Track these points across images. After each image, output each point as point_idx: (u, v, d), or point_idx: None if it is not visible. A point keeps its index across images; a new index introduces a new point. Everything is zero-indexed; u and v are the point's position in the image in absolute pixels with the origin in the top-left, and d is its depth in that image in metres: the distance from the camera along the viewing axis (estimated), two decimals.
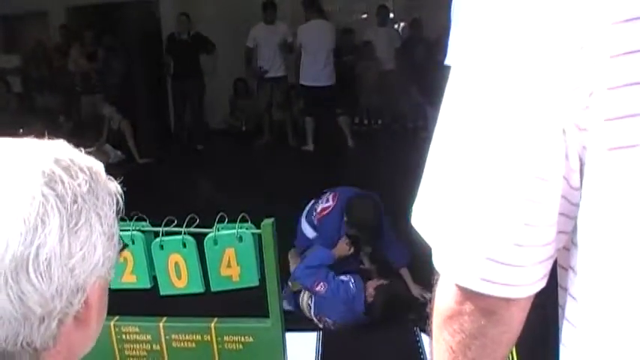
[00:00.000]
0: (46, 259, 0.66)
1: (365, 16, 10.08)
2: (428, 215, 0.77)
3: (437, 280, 0.79)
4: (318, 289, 3.52)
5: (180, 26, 8.66)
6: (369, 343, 2.05)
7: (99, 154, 7.47)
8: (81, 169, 0.71)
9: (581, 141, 0.69)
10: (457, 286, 0.75)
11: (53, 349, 0.71)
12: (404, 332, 2.13)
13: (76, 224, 0.68)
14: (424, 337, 1.85)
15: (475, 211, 0.72)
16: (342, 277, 3.58)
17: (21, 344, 0.69)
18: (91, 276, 0.71)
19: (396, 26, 10.12)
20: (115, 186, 0.77)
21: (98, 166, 0.75)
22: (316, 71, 7.91)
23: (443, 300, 0.78)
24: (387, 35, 9.20)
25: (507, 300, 0.74)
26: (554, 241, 0.73)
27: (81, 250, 0.69)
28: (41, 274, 0.66)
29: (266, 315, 1.59)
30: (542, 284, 0.75)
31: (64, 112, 9.23)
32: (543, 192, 0.70)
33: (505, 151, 0.70)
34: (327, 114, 8.17)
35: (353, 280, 3.55)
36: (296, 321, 3.18)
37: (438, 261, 0.77)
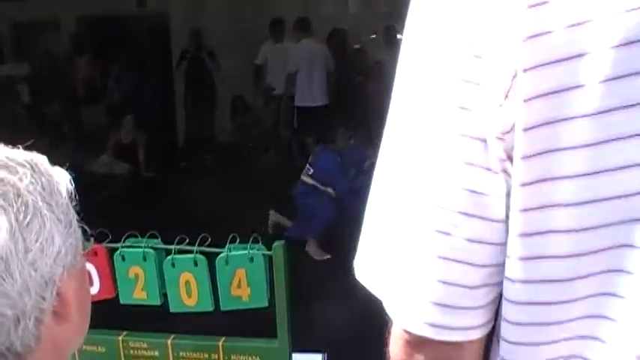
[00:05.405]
0: (1, 258, 0.64)
1: (374, 36, 10.11)
2: (370, 265, 0.75)
3: (390, 329, 0.77)
4: None
5: (194, 43, 8.69)
6: None
7: (103, 166, 7.41)
8: (19, 164, 0.70)
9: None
10: (405, 332, 0.73)
11: (38, 350, 0.69)
12: None
13: (25, 217, 0.66)
14: None
15: (410, 255, 0.70)
16: None
17: (1, 351, 0.66)
18: (56, 266, 0.69)
19: None
20: (62, 173, 0.75)
21: (38, 158, 0.73)
22: (307, 91, 7.87)
23: (393, 349, 0.75)
24: (395, 56, 9.19)
25: (456, 344, 0.71)
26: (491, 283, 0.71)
27: (37, 241, 0.67)
28: (1, 276, 0.64)
29: (274, 335, 1.61)
30: (490, 326, 0.73)
31: (69, 122, 9.25)
32: (483, 228, 0.69)
33: (434, 185, 0.68)
34: (322, 134, 8.11)
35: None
36: (303, 343, 3.16)
37: (387, 308, 0.74)
